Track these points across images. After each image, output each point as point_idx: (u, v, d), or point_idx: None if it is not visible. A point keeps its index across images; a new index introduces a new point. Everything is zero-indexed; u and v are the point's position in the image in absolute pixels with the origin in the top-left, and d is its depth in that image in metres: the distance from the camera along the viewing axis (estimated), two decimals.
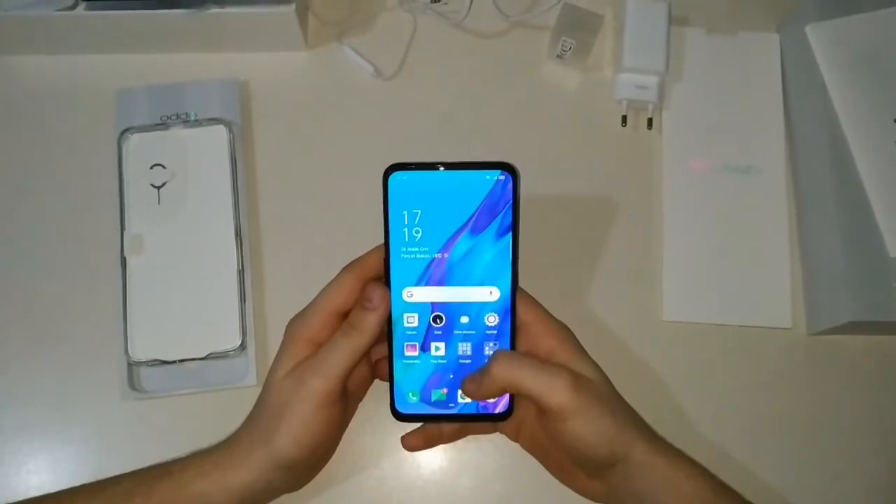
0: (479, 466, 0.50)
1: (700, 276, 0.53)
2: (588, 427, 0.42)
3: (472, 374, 0.44)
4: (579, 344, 0.45)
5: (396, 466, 0.50)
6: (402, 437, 0.48)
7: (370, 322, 0.43)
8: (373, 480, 0.50)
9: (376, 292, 0.43)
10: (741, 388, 0.52)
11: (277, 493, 0.45)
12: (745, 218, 0.54)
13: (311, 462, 0.45)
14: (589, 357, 0.45)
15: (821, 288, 0.52)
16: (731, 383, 0.52)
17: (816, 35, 0.54)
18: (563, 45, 0.55)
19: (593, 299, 0.53)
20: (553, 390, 0.41)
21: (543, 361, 0.43)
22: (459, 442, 0.50)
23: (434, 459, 0.51)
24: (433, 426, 0.48)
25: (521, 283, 0.45)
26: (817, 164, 0.52)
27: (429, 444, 0.48)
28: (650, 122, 0.56)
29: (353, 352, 0.42)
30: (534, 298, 0.46)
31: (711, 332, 0.53)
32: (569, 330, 0.46)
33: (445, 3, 0.58)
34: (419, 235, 0.43)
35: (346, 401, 0.45)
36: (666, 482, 0.43)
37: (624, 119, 0.56)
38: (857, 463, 0.51)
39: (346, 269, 0.45)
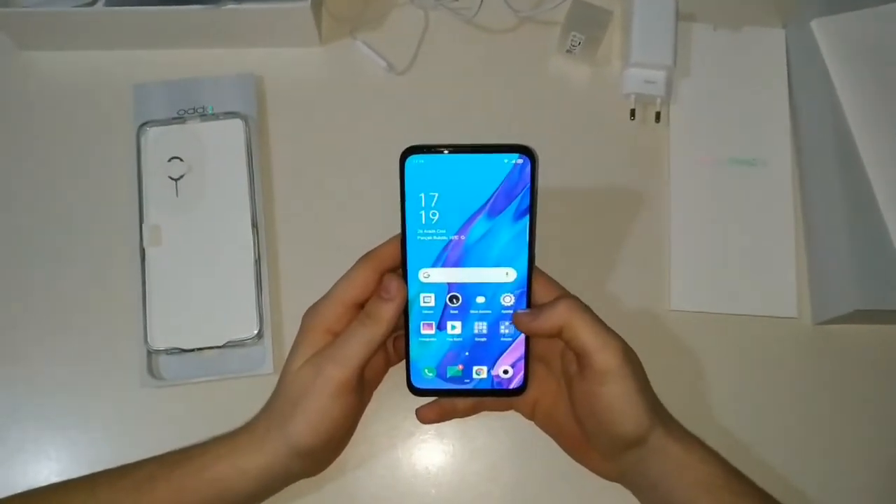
0: (491, 453, 0.51)
1: (707, 267, 0.54)
2: (623, 397, 0.42)
3: (525, 310, 0.44)
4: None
5: (408, 453, 0.51)
6: (417, 410, 0.48)
7: (387, 312, 0.43)
8: (385, 468, 0.51)
9: (393, 283, 0.43)
10: (747, 377, 0.53)
11: (295, 477, 0.46)
12: (752, 209, 0.55)
13: (328, 449, 0.46)
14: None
15: (826, 278, 0.52)
16: (738, 372, 0.53)
17: (821, 30, 0.54)
18: (572, 40, 0.56)
19: (602, 289, 0.54)
20: (607, 349, 0.42)
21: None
22: (471, 429, 0.51)
23: (446, 446, 0.51)
24: (448, 400, 0.48)
25: None
26: (823, 156, 0.53)
27: (443, 417, 0.49)
28: (658, 116, 0.56)
29: (369, 341, 0.43)
30: (553, 279, 0.46)
31: (718, 322, 0.53)
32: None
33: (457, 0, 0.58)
34: (436, 218, 0.43)
35: (362, 389, 0.45)
36: (679, 466, 0.43)
37: (633, 113, 0.56)
38: (862, 451, 0.52)
39: (361, 260, 0.45)
